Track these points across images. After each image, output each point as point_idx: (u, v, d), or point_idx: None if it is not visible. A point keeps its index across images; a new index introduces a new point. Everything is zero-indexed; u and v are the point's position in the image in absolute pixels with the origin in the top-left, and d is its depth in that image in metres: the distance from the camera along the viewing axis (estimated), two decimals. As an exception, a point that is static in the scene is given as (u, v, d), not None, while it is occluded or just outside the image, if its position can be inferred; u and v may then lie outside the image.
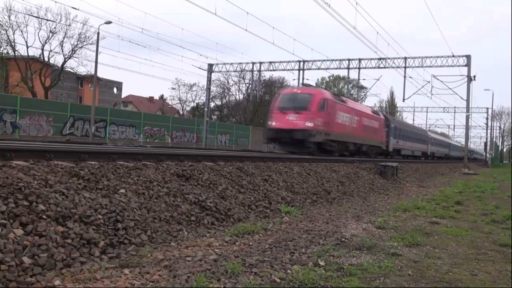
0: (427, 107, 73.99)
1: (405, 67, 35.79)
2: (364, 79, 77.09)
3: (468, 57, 34.25)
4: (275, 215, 7.98)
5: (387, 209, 9.93)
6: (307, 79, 42.93)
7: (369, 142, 26.07)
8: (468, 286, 4.28)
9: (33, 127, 27.59)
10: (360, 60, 37.14)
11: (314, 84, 38.37)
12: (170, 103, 74.37)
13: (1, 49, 41.35)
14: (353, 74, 56.00)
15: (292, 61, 38.93)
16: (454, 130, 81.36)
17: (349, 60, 37.54)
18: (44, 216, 4.51)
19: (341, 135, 21.63)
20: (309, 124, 18.66)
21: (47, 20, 40.67)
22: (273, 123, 19.53)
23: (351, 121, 23.01)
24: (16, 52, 41.99)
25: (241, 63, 40.88)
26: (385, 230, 7.04)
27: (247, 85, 61.05)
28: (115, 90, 69.32)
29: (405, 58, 35.69)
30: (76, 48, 43.54)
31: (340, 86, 71.77)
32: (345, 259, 5.02)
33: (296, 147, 18.73)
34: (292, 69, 38.81)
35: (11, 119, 26.34)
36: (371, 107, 32.42)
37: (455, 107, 64.69)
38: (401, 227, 7.43)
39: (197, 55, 65.57)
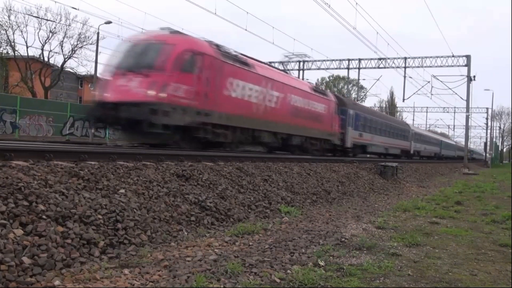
0: (427, 107, 74.16)
1: (405, 67, 35.89)
2: (364, 79, 77.14)
3: (468, 57, 34.31)
4: (275, 215, 7.98)
5: (387, 209, 9.93)
6: (307, 79, 42.70)
7: (306, 132, 18.54)
8: (468, 286, 4.28)
9: (33, 127, 27.57)
10: (360, 60, 37.23)
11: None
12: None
13: (1, 49, 41.38)
14: (353, 74, 55.99)
15: (292, 61, 38.96)
16: (454, 130, 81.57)
17: (349, 60, 37.63)
18: (44, 216, 4.51)
19: (241, 118, 13.91)
20: (156, 94, 10.76)
21: (47, 20, 40.68)
22: (102, 93, 11.53)
23: (265, 98, 15.25)
24: (16, 52, 42.01)
25: (241, 63, 40.79)
26: (385, 230, 7.04)
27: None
28: (115, 90, 69.14)
29: (405, 58, 35.76)
30: (76, 48, 43.56)
31: (340, 86, 71.77)
32: (345, 259, 5.02)
33: (137, 134, 11.46)
34: (292, 69, 38.84)
35: (11, 119, 26.32)
36: (311, 83, 21.86)
37: (455, 107, 64.80)
38: (401, 227, 7.42)
39: (197, 55, 65.29)
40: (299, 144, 18.18)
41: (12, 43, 41.42)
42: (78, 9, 52.91)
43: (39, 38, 51.43)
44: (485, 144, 73.18)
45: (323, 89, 22.24)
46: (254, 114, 14.73)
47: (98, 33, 31.85)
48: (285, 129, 16.84)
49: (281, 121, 16.43)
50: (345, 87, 71.69)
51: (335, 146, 21.83)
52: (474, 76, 35.15)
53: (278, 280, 4.11)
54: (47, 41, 42.41)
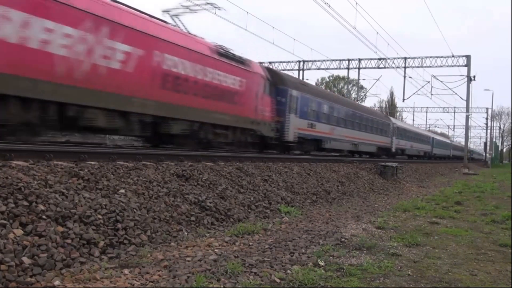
0: (427, 107, 74.22)
1: (405, 67, 35.89)
2: (364, 79, 77.06)
3: (468, 57, 34.31)
4: (275, 215, 7.98)
5: (387, 209, 9.93)
6: (307, 79, 42.59)
7: (202, 116, 12.31)
8: (468, 286, 4.29)
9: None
10: (360, 60, 37.25)
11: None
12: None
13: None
14: (353, 74, 56.03)
15: (292, 61, 39.09)
16: (454, 130, 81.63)
17: (349, 60, 37.65)
18: (44, 216, 4.51)
19: (12, 78, 7.74)
20: None
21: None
22: None
23: (94, 52, 9.19)
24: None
25: (240, 63, 40.77)
26: (385, 230, 7.04)
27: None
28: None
29: (405, 58, 35.77)
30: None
31: (340, 86, 71.84)
32: (345, 259, 5.02)
33: None
34: (292, 69, 38.89)
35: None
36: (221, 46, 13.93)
37: (455, 107, 64.80)
38: (401, 227, 7.43)
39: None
40: (188, 133, 12.06)
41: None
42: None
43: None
44: (485, 144, 73.22)
45: (243, 57, 14.60)
46: (59, 77, 8.54)
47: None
48: (150, 109, 10.56)
49: (140, 94, 10.18)
50: (345, 87, 71.74)
51: (264, 138, 15.79)
52: (474, 76, 35.17)
53: (278, 280, 4.11)
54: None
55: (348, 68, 38.11)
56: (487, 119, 70.66)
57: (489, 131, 72.22)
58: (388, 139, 31.32)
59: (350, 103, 27.92)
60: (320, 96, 21.14)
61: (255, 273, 4.27)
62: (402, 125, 37.44)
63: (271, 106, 16.14)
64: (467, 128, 39.07)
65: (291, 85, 17.97)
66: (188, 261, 4.61)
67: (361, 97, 59.18)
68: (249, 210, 7.81)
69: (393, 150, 32.19)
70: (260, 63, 22.35)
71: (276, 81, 16.95)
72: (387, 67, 36.39)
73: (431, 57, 35.03)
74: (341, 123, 22.70)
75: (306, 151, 19.38)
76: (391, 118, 36.11)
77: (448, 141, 61.94)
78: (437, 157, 48.94)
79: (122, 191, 5.91)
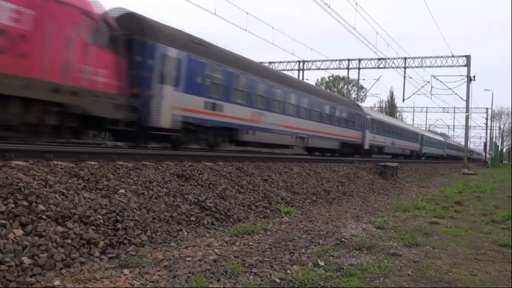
0: (426, 107, 74.14)
1: (404, 67, 35.90)
2: (364, 79, 77.13)
3: (467, 57, 34.33)
4: (274, 215, 7.98)
5: (386, 209, 9.94)
6: (307, 79, 42.53)
7: None
8: (468, 286, 4.29)
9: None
10: (359, 60, 37.26)
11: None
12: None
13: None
14: (353, 74, 56.01)
15: (292, 61, 39.08)
16: (454, 130, 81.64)
17: (348, 60, 37.66)
18: (43, 216, 4.51)
19: None
20: None
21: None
22: None
23: None
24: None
25: (240, 63, 40.69)
26: (384, 230, 7.04)
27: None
28: (114, 90, 68.76)
29: (405, 58, 35.78)
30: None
31: (340, 86, 71.85)
32: (345, 259, 5.02)
33: None
34: (292, 69, 38.89)
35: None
36: None
37: (454, 107, 64.82)
38: (400, 227, 7.43)
39: (196, 55, 65.13)
40: None
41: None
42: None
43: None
44: (485, 144, 73.23)
45: None
46: None
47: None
48: None
49: None
50: (345, 87, 71.79)
51: (100, 121, 9.43)
52: (474, 76, 35.18)
53: (278, 280, 4.11)
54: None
55: (348, 68, 38.13)
56: (487, 119, 70.73)
57: (489, 131, 72.30)
58: (359, 133, 25.20)
59: (292, 80, 19.99)
60: (234, 65, 14.19)
61: (255, 273, 4.27)
62: (379, 117, 30.79)
63: (115, 68, 9.68)
64: (467, 128, 39.07)
65: (167, 39, 11.35)
66: (188, 261, 4.61)
67: (361, 97, 59.24)
68: (249, 210, 7.81)
69: (366, 147, 26.04)
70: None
71: (135, 31, 10.67)
72: (387, 67, 36.43)
73: (431, 57, 35.07)
74: (275, 107, 16.36)
75: (211, 145, 13.50)
76: (364, 108, 29.03)
77: (442, 139, 56.51)
78: (428, 156, 44.43)
79: (122, 191, 5.91)
